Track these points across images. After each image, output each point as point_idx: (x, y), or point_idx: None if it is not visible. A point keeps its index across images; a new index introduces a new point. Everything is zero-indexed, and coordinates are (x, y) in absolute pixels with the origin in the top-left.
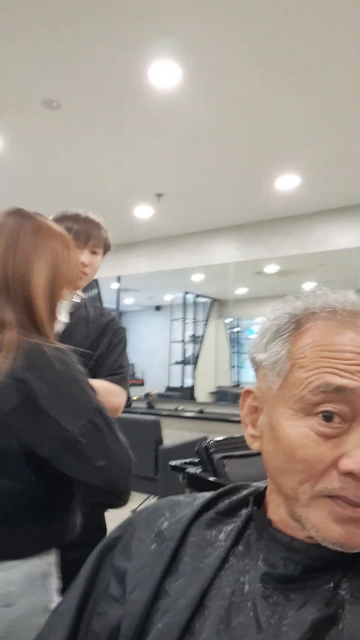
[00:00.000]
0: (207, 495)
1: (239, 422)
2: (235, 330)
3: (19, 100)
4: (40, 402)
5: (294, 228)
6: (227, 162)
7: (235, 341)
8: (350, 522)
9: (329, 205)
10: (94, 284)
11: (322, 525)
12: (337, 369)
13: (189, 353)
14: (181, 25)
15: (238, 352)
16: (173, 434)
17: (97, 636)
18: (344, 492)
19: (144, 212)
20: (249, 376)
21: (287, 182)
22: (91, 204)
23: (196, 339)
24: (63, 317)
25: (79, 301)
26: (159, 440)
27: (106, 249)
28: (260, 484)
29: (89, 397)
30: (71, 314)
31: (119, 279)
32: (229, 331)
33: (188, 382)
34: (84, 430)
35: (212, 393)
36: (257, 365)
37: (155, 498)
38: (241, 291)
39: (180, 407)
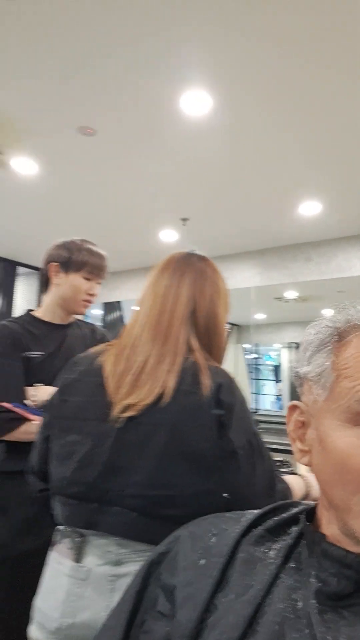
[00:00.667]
0: (255, 512)
1: None
2: (254, 356)
3: (55, 126)
4: (223, 417)
5: (315, 254)
6: (251, 188)
7: (253, 367)
8: None
9: (350, 232)
10: (117, 306)
11: None
12: None
13: None
14: (213, 56)
15: (256, 378)
16: None
17: None
18: None
19: (169, 236)
20: (266, 404)
21: (310, 208)
22: (119, 228)
23: None
24: None
25: (72, 320)
26: None
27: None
28: (310, 502)
29: (252, 420)
30: (68, 332)
31: None
32: (247, 357)
33: None
34: (244, 446)
35: None
36: (301, 380)
37: None
38: (259, 316)
39: None
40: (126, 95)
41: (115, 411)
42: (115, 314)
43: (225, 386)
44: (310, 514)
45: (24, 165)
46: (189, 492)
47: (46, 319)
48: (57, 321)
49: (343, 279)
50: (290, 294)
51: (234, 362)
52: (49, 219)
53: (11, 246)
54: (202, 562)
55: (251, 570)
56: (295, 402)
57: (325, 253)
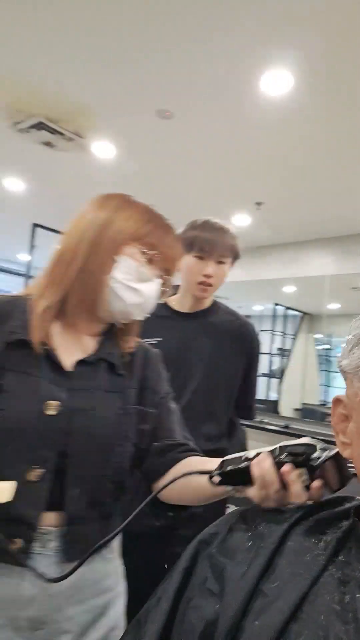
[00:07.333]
0: (308, 503)
1: (325, 441)
2: (325, 347)
3: (134, 109)
4: None
5: None
6: (328, 172)
7: (324, 358)
8: None
9: None
10: None
11: None
12: None
13: (275, 366)
14: (295, 35)
15: (327, 370)
16: (257, 447)
17: (192, 626)
18: None
19: (241, 220)
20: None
21: None
22: (192, 211)
23: (284, 353)
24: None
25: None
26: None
27: (235, 256)
28: None
29: None
30: (194, 321)
31: None
32: (318, 347)
33: (272, 396)
34: None
35: (297, 409)
36: (344, 374)
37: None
38: (334, 306)
39: (264, 420)
40: (204, 76)
41: None
42: None
43: None
44: None
45: (103, 149)
46: None
47: (175, 306)
48: (185, 309)
49: None
50: None
51: (303, 352)
52: None
53: None
54: (251, 545)
55: (300, 559)
56: (339, 396)
57: None
